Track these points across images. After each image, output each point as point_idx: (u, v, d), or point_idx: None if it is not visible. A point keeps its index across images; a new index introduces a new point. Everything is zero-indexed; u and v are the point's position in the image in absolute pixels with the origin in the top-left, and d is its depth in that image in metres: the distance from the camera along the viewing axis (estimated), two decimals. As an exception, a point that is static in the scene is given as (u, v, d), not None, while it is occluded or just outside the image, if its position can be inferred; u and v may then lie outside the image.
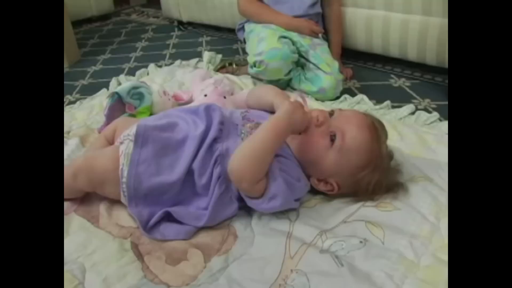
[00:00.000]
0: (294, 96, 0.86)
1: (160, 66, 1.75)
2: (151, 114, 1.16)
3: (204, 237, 0.80)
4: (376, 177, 0.83)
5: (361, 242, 0.75)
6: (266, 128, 0.78)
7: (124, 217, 0.85)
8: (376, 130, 0.85)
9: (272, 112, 0.89)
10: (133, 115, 1.15)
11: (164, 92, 1.23)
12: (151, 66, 1.70)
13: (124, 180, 0.82)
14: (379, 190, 0.84)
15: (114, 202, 0.87)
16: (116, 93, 1.14)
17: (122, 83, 1.46)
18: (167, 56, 1.96)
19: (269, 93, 0.94)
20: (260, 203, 0.79)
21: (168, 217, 0.82)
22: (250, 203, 0.80)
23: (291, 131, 0.81)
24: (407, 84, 1.50)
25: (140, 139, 0.83)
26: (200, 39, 2.21)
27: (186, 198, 0.83)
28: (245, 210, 0.83)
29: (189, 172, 0.82)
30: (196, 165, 0.81)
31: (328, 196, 0.87)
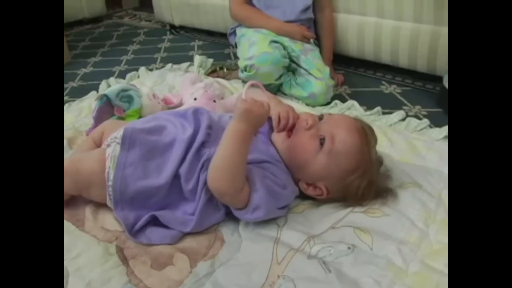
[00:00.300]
0: (244, 89, 0.83)
1: (151, 70, 1.74)
2: (140, 117, 1.15)
3: (190, 242, 0.78)
4: (365, 181, 0.82)
5: (349, 248, 0.74)
6: (228, 136, 0.76)
7: (109, 221, 0.84)
8: (366, 134, 0.85)
9: None
10: (122, 118, 1.14)
11: (154, 95, 1.22)
12: (142, 69, 1.69)
13: (110, 183, 0.81)
14: (368, 194, 0.83)
15: (100, 205, 0.86)
16: (105, 95, 1.13)
17: (112, 86, 1.45)
18: (159, 60, 1.95)
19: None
20: (244, 213, 0.78)
21: (154, 221, 0.80)
22: (236, 213, 0.80)
23: (253, 130, 0.78)
24: (398, 90, 1.50)
25: (127, 141, 0.82)
26: (192, 43, 2.20)
27: (173, 203, 0.82)
28: (233, 215, 0.82)
29: (176, 176, 0.81)
30: (183, 170, 0.80)
31: (317, 201, 0.87)
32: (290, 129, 0.86)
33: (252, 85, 0.85)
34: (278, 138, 0.87)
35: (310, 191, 0.85)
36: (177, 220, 0.80)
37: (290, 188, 0.82)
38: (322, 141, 0.82)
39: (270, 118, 0.88)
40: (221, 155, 0.76)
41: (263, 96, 0.83)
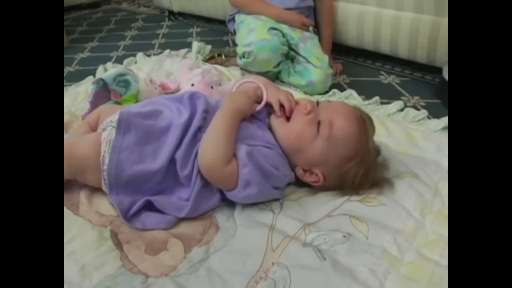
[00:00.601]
0: (235, 86, 0.91)
1: (148, 55, 1.72)
2: (137, 102, 1.14)
3: (185, 228, 0.78)
4: (362, 170, 0.82)
5: (344, 236, 0.74)
6: (216, 116, 0.82)
7: (104, 205, 0.83)
8: (364, 123, 0.85)
9: (258, 102, 0.88)
10: (118, 103, 1.13)
11: (151, 81, 1.21)
12: (139, 55, 1.67)
13: (105, 167, 0.80)
14: (365, 183, 0.83)
15: (95, 189, 0.85)
16: (102, 79, 1.12)
17: (109, 71, 1.43)
18: (156, 46, 1.94)
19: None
20: (237, 192, 0.78)
21: (149, 206, 0.80)
22: (229, 195, 0.79)
23: (238, 108, 0.83)
24: (397, 81, 1.49)
25: (123, 125, 0.81)
26: (190, 30, 2.18)
27: (168, 188, 0.82)
28: (228, 201, 0.82)
29: (172, 161, 0.80)
30: (178, 155, 0.80)
31: (314, 189, 0.86)
32: (289, 114, 0.86)
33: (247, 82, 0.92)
34: (277, 122, 0.86)
35: (306, 177, 0.84)
36: (172, 206, 0.79)
37: (284, 171, 0.82)
38: (319, 126, 0.82)
39: (267, 104, 0.87)
40: (207, 133, 0.79)
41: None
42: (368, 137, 0.85)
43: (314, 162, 0.83)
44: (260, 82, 0.92)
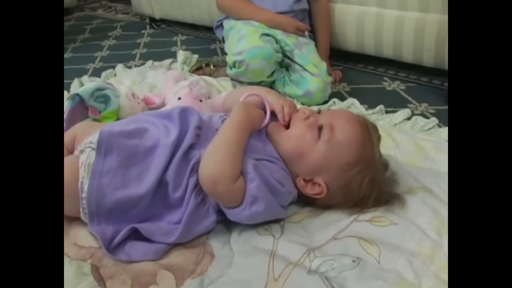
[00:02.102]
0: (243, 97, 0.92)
1: (129, 67, 1.72)
2: (118, 120, 1.13)
3: (176, 257, 0.77)
4: (367, 177, 0.82)
5: (354, 261, 0.73)
6: (225, 125, 0.83)
7: (83, 236, 0.82)
8: (368, 129, 0.87)
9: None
10: (97, 120, 1.12)
11: (133, 95, 1.21)
12: (119, 66, 1.68)
13: (84, 195, 0.79)
14: (371, 193, 0.83)
15: (73, 219, 0.84)
16: (78, 95, 1.11)
17: (85, 85, 1.43)
18: (138, 57, 1.94)
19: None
20: (242, 210, 0.77)
21: (135, 235, 0.79)
22: (231, 214, 0.79)
23: (251, 121, 0.85)
24: (402, 87, 1.50)
25: (103, 147, 0.81)
26: (174, 38, 2.19)
27: (157, 213, 0.81)
28: (223, 225, 0.81)
29: (161, 184, 0.80)
30: (170, 176, 0.80)
31: (317, 208, 0.86)
32: (288, 122, 0.89)
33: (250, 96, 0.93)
34: (276, 130, 0.88)
35: (308, 190, 0.85)
36: (161, 231, 0.78)
37: (288, 188, 0.83)
38: (320, 130, 0.84)
39: (265, 114, 0.89)
40: (216, 142, 0.79)
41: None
42: (373, 144, 0.86)
43: (316, 169, 0.83)
44: (263, 92, 0.94)
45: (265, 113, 0.89)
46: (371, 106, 1.32)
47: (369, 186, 0.83)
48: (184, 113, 0.87)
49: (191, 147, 0.82)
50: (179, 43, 2.12)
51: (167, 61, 1.73)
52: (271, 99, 0.91)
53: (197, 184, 0.79)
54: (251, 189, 0.76)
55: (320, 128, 0.84)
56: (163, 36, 2.24)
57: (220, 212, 0.80)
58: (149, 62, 1.73)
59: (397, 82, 1.54)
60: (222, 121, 0.89)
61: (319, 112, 0.91)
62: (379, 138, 0.89)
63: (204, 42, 2.11)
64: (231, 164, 0.76)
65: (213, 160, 0.77)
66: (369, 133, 0.86)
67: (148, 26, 2.40)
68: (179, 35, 2.24)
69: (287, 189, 0.82)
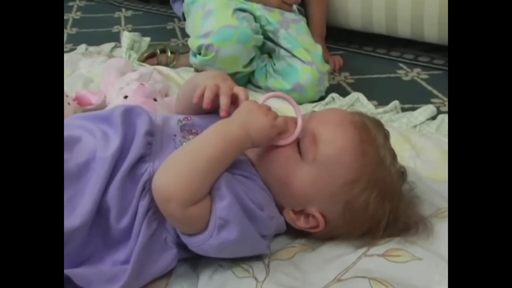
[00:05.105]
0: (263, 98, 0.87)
1: (55, 55, 1.71)
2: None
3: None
4: (374, 193, 0.82)
5: (364, 310, 0.74)
6: (210, 131, 0.80)
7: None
8: (367, 130, 0.85)
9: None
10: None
11: (62, 93, 1.21)
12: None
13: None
14: (383, 213, 0.83)
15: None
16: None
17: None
18: (65, 39, 1.93)
19: (197, 85, 0.90)
20: (207, 237, 0.76)
21: (67, 285, 0.78)
22: (193, 243, 0.78)
23: (247, 141, 0.80)
24: (424, 76, 1.52)
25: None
26: (116, 14, 2.19)
27: (96, 252, 0.80)
28: (189, 264, 0.81)
29: (101, 211, 0.79)
30: (111, 200, 0.79)
31: (313, 239, 0.87)
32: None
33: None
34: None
35: (301, 223, 0.85)
36: (102, 276, 0.77)
37: (269, 211, 0.82)
38: (301, 147, 0.83)
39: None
40: (186, 148, 0.79)
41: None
42: (377, 147, 0.85)
43: (305, 198, 0.84)
44: (220, 78, 0.91)
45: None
46: (383, 102, 1.33)
47: (379, 205, 0.83)
48: (128, 114, 0.87)
49: (141, 159, 0.82)
50: (122, 21, 2.12)
51: (107, 46, 1.73)
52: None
53: (149, 207, 0.78)
54: (220, 210, 0.76)
55: (298, 143, 0.83)
56: (100, 11, 2.24)
57: (182, 245, 0.80)
58: (82, 47, 1.73)
59: (416, 70, 1.56)
60: (182, 127, 0.89)
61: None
62: (386, 136, 0.88)
63: (157, 19, 2.11)
64: (194, 183, 0.75)
65: (171, 171, 0.76)
66: (369, 135, 0.85)
67: (80, -2, 2.40)
68: (123, 9, 2.24)
69: (267, 213, 0.81)
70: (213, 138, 0.79)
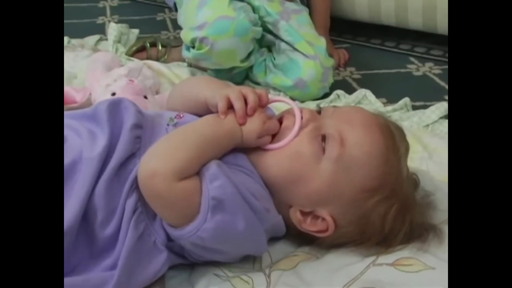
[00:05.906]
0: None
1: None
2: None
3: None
4: (395, 205, 0.82)
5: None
6: (207, 116, 0.85)
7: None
8: (393, 136, 0.86)
9: None
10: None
11: (44, 90, 1.21)
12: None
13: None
14: (401, 227, 0.84)
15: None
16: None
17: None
18: (47, 32, 1.93)
19: (201, 87, 0.93)
20: (200, 223, 0.75)
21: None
22: (184, 234, 0.77)
23: (240, 134, 0.83)
24: (437, 71, 1.53)
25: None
26: (101, 4, 2.20)
27: (82, 263, 0.80)
28: (183, 269, 0.82)
29: (87, 215, 0.79)
30: (98, 202, 0.79)
31: (318, 247, 0.87)
32: (250, 112, 0.85)
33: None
34: (255, 148, 0.86)
35: (308, 226, 0.85)
36: (89, 284, 0.78)
37: (265, 204, 0.82)
38: (326, 143, 0.83)
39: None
40: (178, 130, 0.82)
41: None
42: (399, 158, 0.86)
43: (319, 198, 0.84)
44: (204, 83, 0.94)
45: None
46: (392, 99, 1.34)
47: (398, 219, 0.83)
48: (114, 108, 0.87)
49: (131, 156, 0.82)
50: (108, 11, 2.12)
51: (91, 39, 1.73)
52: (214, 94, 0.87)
53: (137, 206, 0.79)
54: (212, 189, 0.75)
55: (324, 139, 0.83)
56: (84, 1, 2.23)
57: (173, 249, 0.81)
58: (64, 40, 1.71)
59: (429, 64, 1.57)
60: (175, 125, 0.89)
61: (319, 111, 0.89)
62: (407, 148, 0.89)
63: (146, 10, 2.12)
64: (181, 155, 0.76)
65: (162, 147, 0.78)
66: (394, 144, 0.85)
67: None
68: (109, -1, 2.24)
69: (263, 205, 0.81)
70: (208, 120, 0.83)
